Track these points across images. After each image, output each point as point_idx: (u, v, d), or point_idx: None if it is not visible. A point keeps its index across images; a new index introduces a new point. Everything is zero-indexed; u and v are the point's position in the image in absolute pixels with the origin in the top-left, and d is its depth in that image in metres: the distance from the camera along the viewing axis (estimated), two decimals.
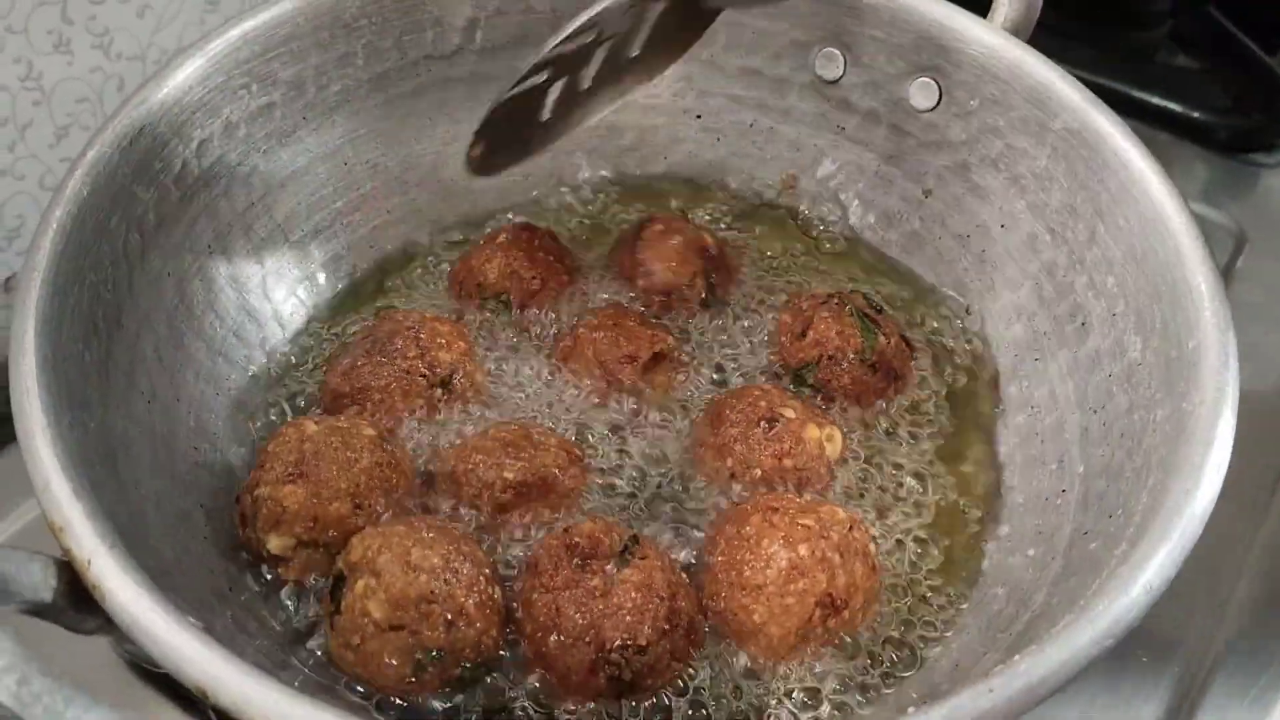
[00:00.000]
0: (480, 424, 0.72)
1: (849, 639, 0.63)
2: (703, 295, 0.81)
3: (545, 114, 0.72)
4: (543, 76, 0.68)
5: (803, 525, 0.62)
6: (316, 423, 0.67)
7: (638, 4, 0.68)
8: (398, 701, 0.60)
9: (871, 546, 0.64)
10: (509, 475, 0.66)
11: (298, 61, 0.78)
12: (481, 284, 0.80)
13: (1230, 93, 1.17)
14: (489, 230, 0.86)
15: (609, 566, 0.60)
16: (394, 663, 0.58)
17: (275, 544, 0.64)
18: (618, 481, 0.71)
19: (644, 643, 0.58)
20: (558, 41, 0.66)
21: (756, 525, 0.63)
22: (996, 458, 0.75)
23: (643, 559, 0.61)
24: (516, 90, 0.68)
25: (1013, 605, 0.63)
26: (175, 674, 0.46)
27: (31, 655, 0.42)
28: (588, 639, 0.58)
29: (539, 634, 0.60)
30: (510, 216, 0.89)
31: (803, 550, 0.61)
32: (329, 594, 0.60)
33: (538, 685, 0.60)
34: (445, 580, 0.59)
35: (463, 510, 0.67)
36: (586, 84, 0.72)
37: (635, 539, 0.62)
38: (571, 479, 0.68)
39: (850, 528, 0.63)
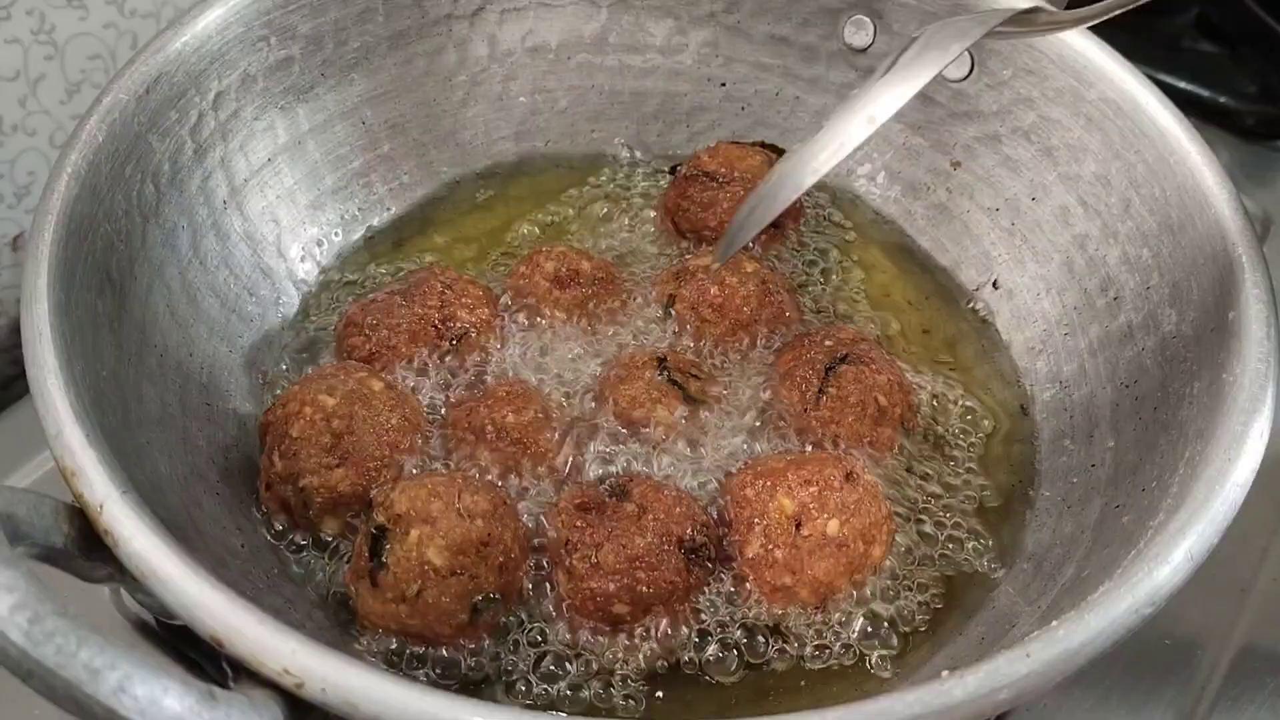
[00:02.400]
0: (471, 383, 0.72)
1: (875, 610, 0.63)
2: None
3: None
4: None
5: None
6: (329, 393, 0.65)
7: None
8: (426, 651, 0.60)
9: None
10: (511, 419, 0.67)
11: (317, 15, 0.77)
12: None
13: (1257, 79, 1.16)
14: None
15: (623, 504, 0.61)
16: (454, 608, 0.58)
17: (331, 526, 0.64)
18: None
19: (705, 519, 0.63)
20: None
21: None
22: (1025, 433, 0.73)
23: (634, 484, 0.63)
24: None
25: (1041, 579, 0.62)
26: (188, 621, 0.45)
27: (45, 595, 0.40)
28: (666, 546, 0.60)
29: (618, 574, 0.59)
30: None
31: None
32: (367, 552, 0.59)
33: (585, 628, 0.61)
34: (496, 525, 0.59)
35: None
36: None
37: (614, 482, 0.64)
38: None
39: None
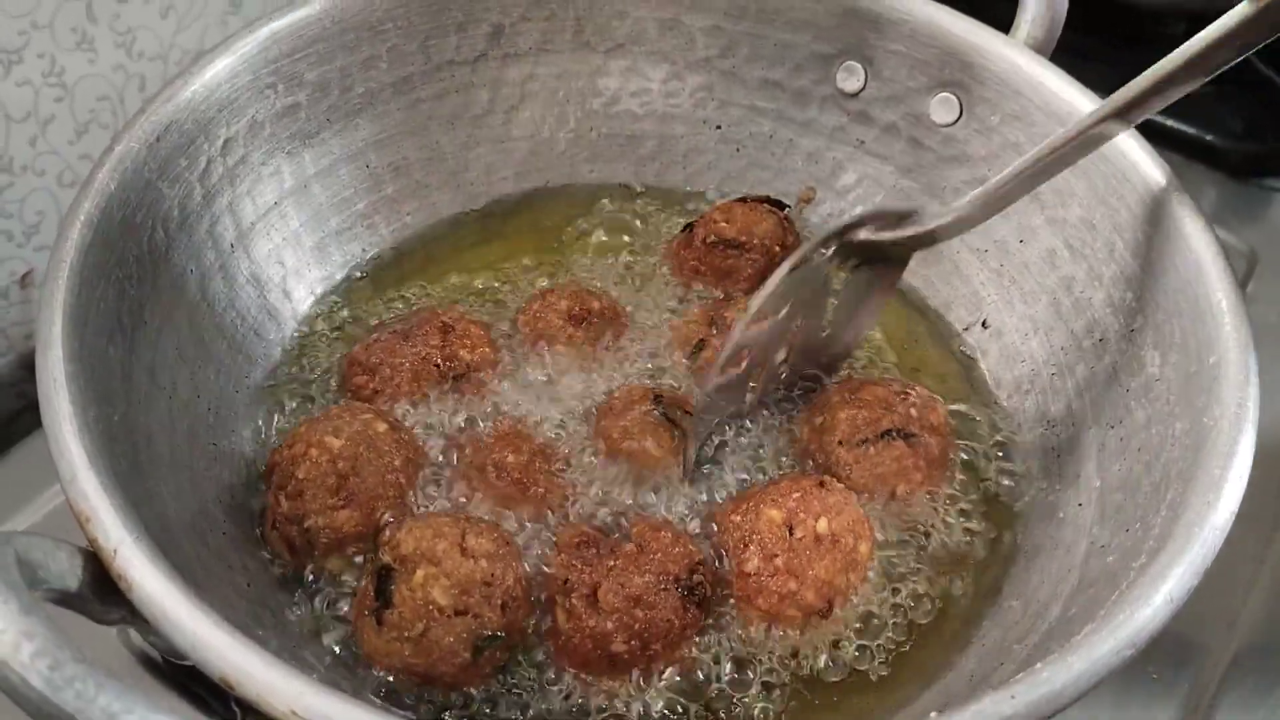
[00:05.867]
0: (472, 422, 0.73)
1: (864, 645, 0.64)
2: None
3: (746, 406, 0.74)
4: (739, 368, 0.70)
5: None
6: (335, 435, 0.66)
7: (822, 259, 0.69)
8: (426, 698, 0.61)
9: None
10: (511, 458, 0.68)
11: (323, 63, 0.79)
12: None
13: (1244, 117, 1.17)
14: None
15: (624, 544, 0.63)
16: (457, 648, 0.59)
17: (336, 566, 0.66)
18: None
19: (700, 558, 0.64)
20: (751, 314, 0.66)
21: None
22: (1013, 472, 0.75)
23: (632, 523, 0.65)
24: (722, 381, 0.69)
25: (1028, 618, 0.63)
26: (199, 664, 0.46)
27: (64, 640, 0.42)
28: (664, 585, 0.61)
29: (616, 613, 0.60)
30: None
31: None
32: (373, 591, 0.60)
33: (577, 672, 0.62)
34: (499, 565, 0.61)
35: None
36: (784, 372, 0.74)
37: (612, 521, 0.67)
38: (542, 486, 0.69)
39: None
